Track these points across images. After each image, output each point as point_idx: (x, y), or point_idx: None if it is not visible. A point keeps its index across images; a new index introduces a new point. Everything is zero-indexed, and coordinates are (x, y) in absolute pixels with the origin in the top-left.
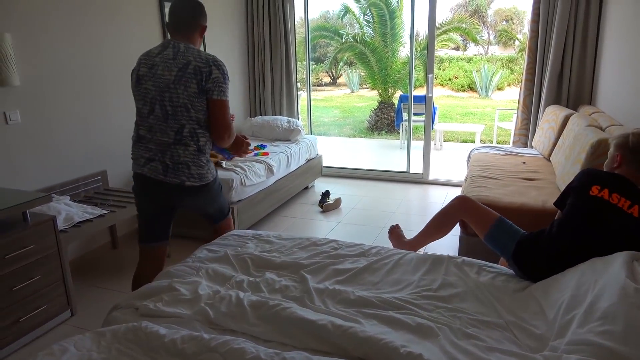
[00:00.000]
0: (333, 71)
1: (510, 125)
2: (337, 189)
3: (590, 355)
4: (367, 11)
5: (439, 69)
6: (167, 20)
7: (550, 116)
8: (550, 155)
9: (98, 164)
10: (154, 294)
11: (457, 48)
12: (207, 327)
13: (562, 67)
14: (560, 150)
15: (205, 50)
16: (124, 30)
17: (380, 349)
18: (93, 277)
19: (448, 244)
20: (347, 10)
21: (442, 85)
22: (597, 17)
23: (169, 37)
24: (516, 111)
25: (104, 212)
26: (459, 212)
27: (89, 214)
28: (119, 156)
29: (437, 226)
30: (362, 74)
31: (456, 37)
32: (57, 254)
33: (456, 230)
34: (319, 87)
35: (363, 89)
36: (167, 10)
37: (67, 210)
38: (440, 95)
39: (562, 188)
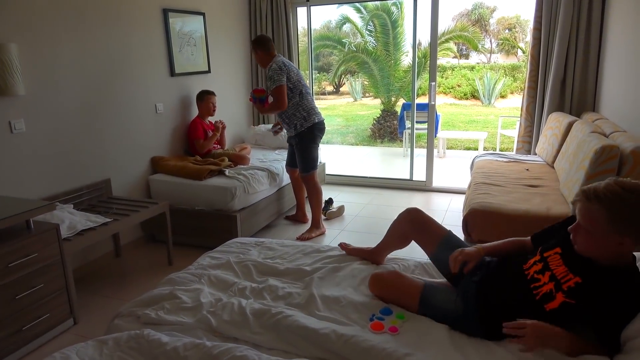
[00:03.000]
0: (336, 80)
1: (514, 132)
2: (340, 196)
3: None
4: (370, 22)
5: (442, 77)
6: (270, 44)
7: (554, 123)
8: (554, 162)
9: (102, 172)
10: (156, 302)
11: (457, 57)
12: (210, 335)
13: (565, 74)
14: (563, 157)
15: (208, 58)
16: (129, 40)
17: (383, 359)
18: (96, 286)
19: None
20: (346, 19)
21: (445, 93)
22: (599, 24)
23: (276, 52)
24: (519, 118)
25: (108, 220)
26: (405, 224)
27: (93, 222)
28: (122, 165)
29: (393, 237)
30: (365, 82)
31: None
32: (60, 262)
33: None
34: (322, 96)
35: (366, 97)
36: (171, 20)
37: (70, 219)
38: (444, 104)
39: (566, 194)
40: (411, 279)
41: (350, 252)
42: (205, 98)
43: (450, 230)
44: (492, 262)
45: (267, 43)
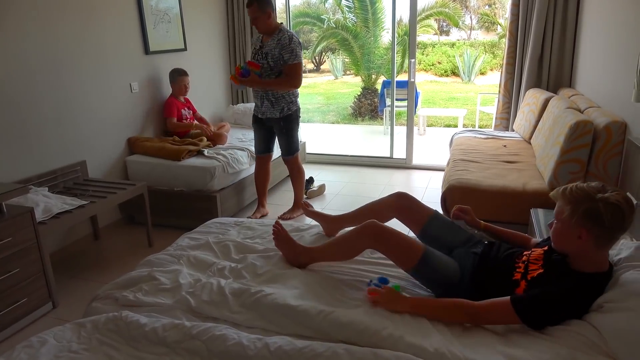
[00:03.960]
0: (316, 57)
1: (493, 109)
2: (321, 175)
3: None
4: None
5: (422, 54)
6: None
7: (531, 99)
8: (530, 138)
9: (77, 154)
10: (134, 283)
11: (437, 34)
12: (189, 315)
13: (542, 50)
14: (540, 132)
15: (184, 36)
16: (100, 18)
17: (361, 332)
18: (75, 269)
19: None
20: None
21: (425, 70)
22: (576, 1)
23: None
24: (498, 95)
25: (84, 202)
26: (391, 212)
27: (68, 205)
28: (98, 146)
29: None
30: (346, 60)
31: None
32: (36, 246)
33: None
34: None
35: (347, 75)
36: (144, 1)
37: (45, 202)
38: (424, 81)
39: (542, 170)
40: (409, 237)
41: (309, 214)
42: (177, 79)
43: (436, 210)
44: (495, 243)
45: (272, 4)
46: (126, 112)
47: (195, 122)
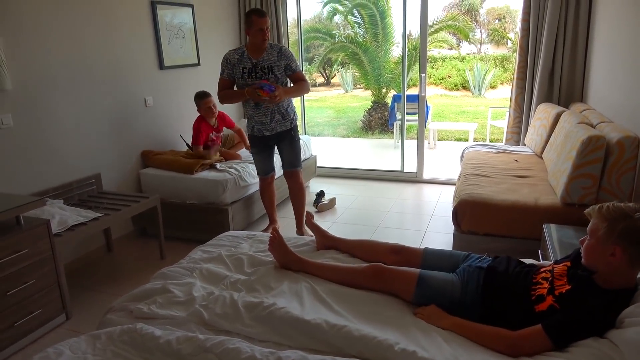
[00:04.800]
0: (327, 72)
1: (503, 123)
2: (331, 189)
3: None
4: (356, 12)
5: (432, 68)
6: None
7: (542, 114)
8: (542, 152)
9: (92, 167)
10: (148, 296)
11: (450, 48)
12: (202, 328)
13: (553, 65)
14: (552, 147)
15: (198, 51)
16: (117, 33)
17: (374, 347)
18: (88, 281)
19: (439, 240)
20: (335, 11)
21: (435, 84)
22: (587, 15)
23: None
24: (508, 109)
25: (99, 215)
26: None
27: (83, 217)
28: (112, 159)
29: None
30: (356, 74)
31: (449, 37)
32: (51, 257)
33: (450, 227)
34: (312, 88)
35: (357, 89)
36: (159, 12)
37: (61, 214)
38: (434, 95)
39: (554, 185)
40: (406, 268)
41: (310, 225)
42: (200, 103)
43: (425, 247)
44: (501, 257)
45: None
46: (140, 126)
47: (218, 152)
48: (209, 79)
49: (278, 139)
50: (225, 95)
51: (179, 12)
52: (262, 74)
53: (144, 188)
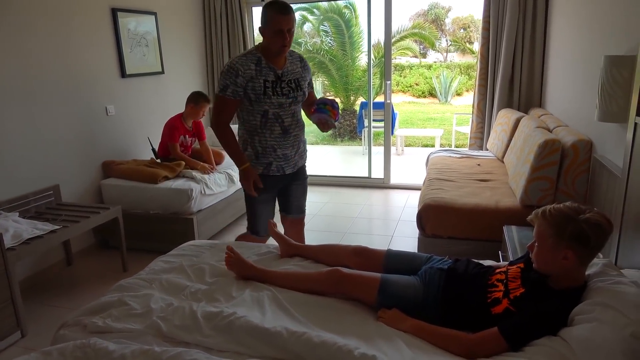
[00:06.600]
0: None
1: (468, 129)
2: None
3: None
4: (324, 22)
5: (400, 76)
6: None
7: (503, 119)
8: (503, 156)
9: (50, 178)
10: (103, 309)
11: (414, 56)
12: (160, 340)
13: (513, 72)
14: (512, 151)
15: (161, 59)
16: (75, 41)
17: (334, 353)
18: (46, 296)
19: (406, 244)
20: (305, 20)
21: (403, 92)
22: (544, 24)
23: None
24: (471, 115)
25: (56, 227)
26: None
27: (39, 230)
28: (72, 170)
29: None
30: (326, 82)
31: (415, 46)
32: (4, 272)
33: (416, 231)
34: None
35: (326, 96)
36: (120, 20)
37: (15, 227)
38: (402, 102)
39: (514, 188)
40: (368, 273)
41: (273, 234)
42: (200, 103)
43: (388, 249)
44: (461, 259)
45: None
46: (102, 135)
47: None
48: (173, 87)
49: (292, 178)
50: (227, 134)
51: (141, 19)
52: (289, 89)
53: (105, 199)
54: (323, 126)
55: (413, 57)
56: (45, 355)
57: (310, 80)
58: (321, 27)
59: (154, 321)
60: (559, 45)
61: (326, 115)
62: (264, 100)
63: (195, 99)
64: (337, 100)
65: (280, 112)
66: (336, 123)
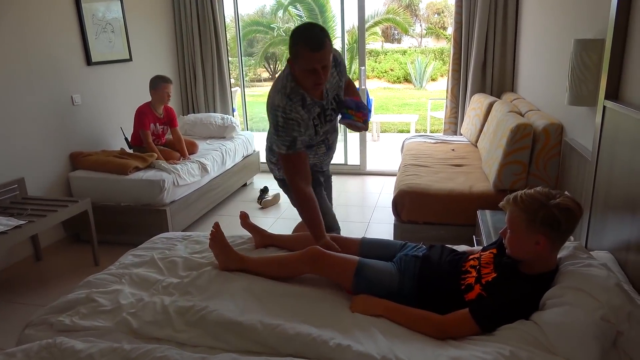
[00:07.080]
0: (272, 66)
1: (443, 114)
2: (275, 185)
3: None
4: (298, 6)
5: (375, 61)
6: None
7: (476, 104)
8: (477, 141)
9: (14, 171)
10: (71, 307)
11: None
12: (131, 337)
13: (486, 56)
14: (485, 136)
15: (129, 46)
16: (35, 28)
17: (309, 344)
18: (13, 294)
19: (382, 231)
20: (279, 5)
21: (378, 77)
22: (515, 8)
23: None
24: (445, 100)
25: (21, 222)
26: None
27: (4, 226)
28: (38, 162)
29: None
30: None
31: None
32: None
33: (391, 218)
34: (257, 83)
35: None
36: (84, 5)
37: None
38: (377, 88)
39: (487, 172)
40: (345, 255)
41: (245, 225)
42: (160, 86)
43: (362, 237)
44: (436, 246)
45: None
46: (68, 126)
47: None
48: (142, 75)
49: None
50: (310, 202)
51: (106, 4)
52: (332, 111)
53: (74, 192)
54: (353, 129)
55: (383, 41)
56: (8, 357)
57: (344, 74)
58: (295, 11)
59: (124, 318)
60: (530, 30)
61: (351, 121)
62: (314, 139)
63: (154, 84)
64: None
65: (327, 136)
66: (369, 118)
